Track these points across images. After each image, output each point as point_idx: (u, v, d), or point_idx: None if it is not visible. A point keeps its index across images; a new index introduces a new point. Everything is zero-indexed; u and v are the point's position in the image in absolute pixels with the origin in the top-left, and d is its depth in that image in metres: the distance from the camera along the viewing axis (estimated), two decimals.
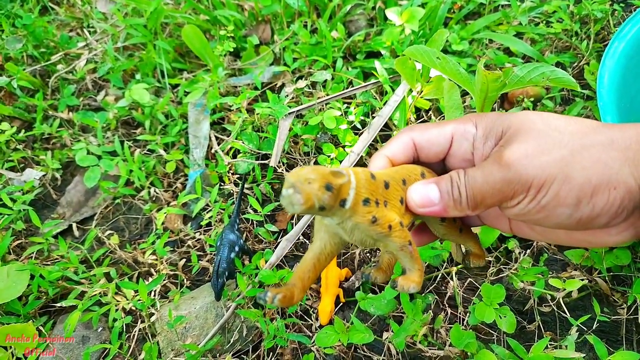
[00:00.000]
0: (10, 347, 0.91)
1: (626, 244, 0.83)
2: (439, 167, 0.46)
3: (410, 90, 1.07)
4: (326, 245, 0.42)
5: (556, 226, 0.37)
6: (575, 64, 1.14)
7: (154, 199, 1.15)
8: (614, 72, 0.82)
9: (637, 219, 0.36)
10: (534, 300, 0.86)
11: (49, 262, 1.06)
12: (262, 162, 1.10)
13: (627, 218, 0.36)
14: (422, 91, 0.93)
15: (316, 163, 1.10)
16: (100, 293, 0.98)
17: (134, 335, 0.95)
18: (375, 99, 1.14)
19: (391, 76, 1.13)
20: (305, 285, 0.41)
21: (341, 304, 0.94)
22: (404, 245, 0.39)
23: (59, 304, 0.97)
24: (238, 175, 1.12)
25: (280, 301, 0.38)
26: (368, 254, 0.99)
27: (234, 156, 1.14)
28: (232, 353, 0.90)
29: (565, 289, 0.79)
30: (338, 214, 0.36)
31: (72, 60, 1.39)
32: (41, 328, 0.96)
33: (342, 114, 1.08)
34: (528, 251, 0.93)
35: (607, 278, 0.86)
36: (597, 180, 0.34)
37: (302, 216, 1.02)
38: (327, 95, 1.14)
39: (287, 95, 1.18)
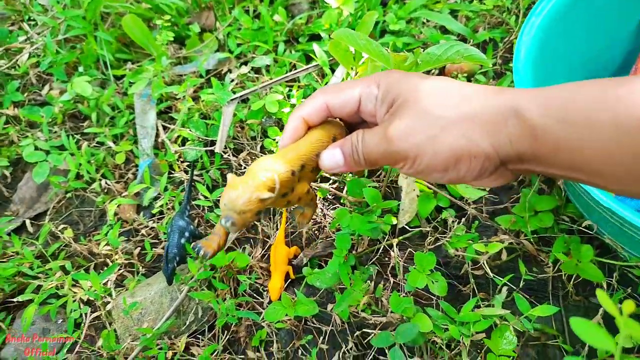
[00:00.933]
0: None
1: (545, 206, 0.90)
2: (355, 119, 0.53)
3: (348, 73, 1.11)
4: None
5: (435, 182, 0.45)
6: (507, 38, 1.19)
7: (106, 190, 1.17)
8: (531, 47, 0.87)
9: (501, 173, 0.44)
10: (468, 265, 0.93)
11: (4, 259, 1.07)
12: (210, 148, 1.13)
13: (492, 174, 0.44)
14: (357, 73, 0.96)
15: (262, 147, 1.13)
16: (57, 286, 1.00)
17: (88, 323, 0.97)
18: (317, 81, 1.17)
19: (330, 59, 1.17)
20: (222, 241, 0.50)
21: (291, 280, 0.98)
22: (307, 203, 0.52)
23: (16, 299, 0.99)
24: (187, 163, 1.15)
25: (209, 255, 0.49)
26: (316, 232, 1.04)
27: (182, 144, 1.16)
28: (188, 334, 0.94)
29: (488, 252, 0.85)
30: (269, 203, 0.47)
31: (14, 55, 1.37)
32: (1, 324, 0.98)
33: (284, 98, 1.11)
34: (463, 219, 0.99)
35: (532, 240, 0.93)
36: (460, 153, 0.41)
37: None
38: (271, 79, 1.17)
39: (232, 81, 1.20)
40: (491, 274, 0.87)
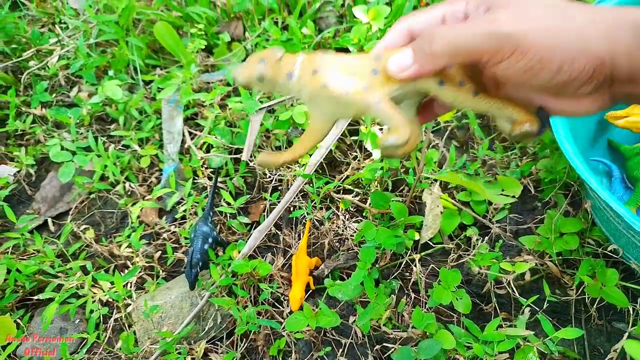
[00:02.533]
0: None
1: (571, 228, 0.90)
2: None
3: None
4: (314, 120, 0.46)
5: (536, 88, 0.41)
6: None
7: (129, 193, 1.18)
8: None
9: (601, 94, 0.41)
10: (491, 284, 0.92)
11: (25, 257, 1.08)
12: (235, 156, 1.14)
13: (594, 90, 0.40)
14: None
15: None
16: (76, 286, 1.00)
17: (110, 325, 0.98)
18: None
19: None
20: (296, 151, 0.46)
21: (311, 291, 0.98)
22: (368, 105, 0.42)
23: (36, 297, 1.00)
24: (211, 170, 1.16)
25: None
26: (337, 244, 1.04)
27: (207, 151, 1.17)
28: (207, 340, 0.94)
29: (514, 272, 0.84)
30: (288, 87, 0.42)
31: (45, 57, 1.40)
32: (19, 321, 0.98)
33: None
34: (486, 238, 0.99)
35: (557, 262, 0.92)
36: (577, 51, 0.37)
37: (274, 208, 1.06)
38: None
39: (259, 91, 1.21)
40: (517, 294, 0.86)
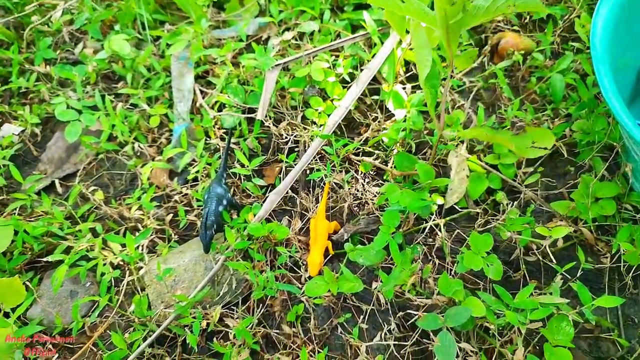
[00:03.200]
0: None
1: (607, 193, 0.84)
2: None
3: (400, 42, 1.05)
4: None
5: None
6: (567, 16, 1.13)
7: (138, 154, 1.13)
8: (608, 21, 0.81)
9: None
10: (520, 250, 0.88)
11: (32, 218, 1.04)
12: (249, 115, 1.08)
13: None
14: (411, 43, 0.91)
15: (304, 117, 1.09)
16: (86, 248, 0.97)
17: (122, 288, 0.94)
18: (364, 51, 1.12)
19: (380, 28, 1.11)
20: None
21: (330, 256, 0.94)
22: None
23: (44, 260, 0.96)
24: (224, 130, 1.10)
25: None
26: (356, 207, 0.99)
27: (220, 110, 1.12)
28: (222, 305, 0.90)
29: (551, 237, 0.80)
30: None
31: (47, 11, 1.33)
32: (28, 283, 0.95)
33: (330, 67, 1.06)
34: (515, 203, 0.94)
35: (592, 228, 0.87)
36: None
37: (290, 171, 1.01)
38: (315, 47, 1.12)
39: (274, 48, 1.15)
40: (551, 261, 0.82)
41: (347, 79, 1.09)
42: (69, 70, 1.21)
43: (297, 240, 0.95)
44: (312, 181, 1.03)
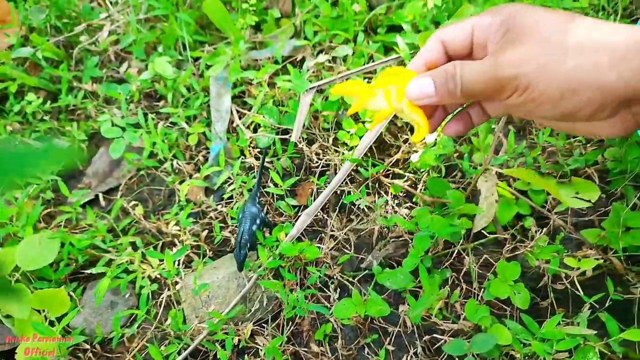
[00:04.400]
0: (44, 310, 0.96)
1: (639, 223, 0.84)
2: (463, 55, 0.50)
3: None
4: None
5: (543, 118, 0.44)
6: None
7: (176, 171, 1.18)
8: None
9: (623, 117, 0.42)
10: (548, 278, 0.88)
11: (77, 231, 1.10)
12: (283, 136, 1.12)
13: (611, 114, 0.41)
14: None
15: (335, 139, 1.11)
16: (127, 261, 1.02)
17: (160, 302, 0.99)
18: None
19: (412, 51, 1.13)
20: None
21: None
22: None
23: (88, 271, 1.02)
24: (259, 149, 1.14)
25: None
26: (385, 229, 1.01)
27: (255, 130, 1.16)
28: (253, 321, 0.94)
29: (579, 268, 0.80)
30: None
31: (95, 32, 1.41)
32: (72, 293, 1.00)
33: None
34: (544, 229, 0.94)
35: (622, 257, 0.87)
36: (580, 80, 0.39)
37: (322, 191, 1.04)
38: (348, 69, 1.15)
39: (308, 70, 1.18)
40: (579, 291, 0.82)
41: None
42: (114, 89, 1.28)
43: (325, 261, 0.98)
44: (342, 203, 1.06)
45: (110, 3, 1.44)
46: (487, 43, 0.46)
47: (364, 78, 1.12)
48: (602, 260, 0.88)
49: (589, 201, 0.91)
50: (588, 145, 1.02)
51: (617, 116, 0.42)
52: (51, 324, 0.95)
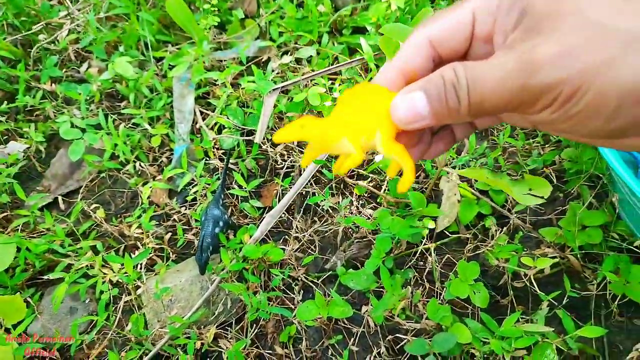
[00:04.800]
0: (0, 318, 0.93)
1: (594, 221, 0.86)
2: (459, 54, 0.36)
3: None
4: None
5: (583, 137, 0.32)
6: None
7: (139, 173, 1.16)
8: None
9: None
10: (508, 277, 0.90)
11: (35, 235, 1.07)
12: (247, 138, 1.11)
13: None
14: None
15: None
16: (87, 266, 0.99)
17: (120, 307, 0.97)
18: (360, 76, 1.14)
19: (376, 53, 1.14)
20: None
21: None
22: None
23: (46, 277, 0.99)
24: (223, 151, 1.13)
25: None
26: (350, 229, 1.02)
27: (219, 131, 1.15)
28: (216, 325, 0.92)
29: (536, 267, 0.82)
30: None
31: (54, 30, 1.37)
32: (29, 300, 0.97)
33: (326, 91, 1.09)
34: (504, 229, 0.96)
35: (578, 255, 0.89)
36: None
37: (286, 193, 1.04)
38: (313, 71, 1.14)
39: (273, 71, 1.18)
40: (537, 290, 0.84)
41: None
42: (74, 89, 1.24)
43: (295, 259, 0.98)
44: (307, 205, 1.06)
45: (70, 1, 1.41)
46: (495, 32, 0.33)
47: (328, 79, 1.13)
48: (560, 258, 0.90)
49: (542, 197, 0.93)
50: (546, 145, 1.04)
51: None
52: (7, 331, 0.92)
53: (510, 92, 0.29)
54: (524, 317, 0.85)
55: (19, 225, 1.07)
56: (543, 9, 0.29)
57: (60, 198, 1.16)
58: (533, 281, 0.84)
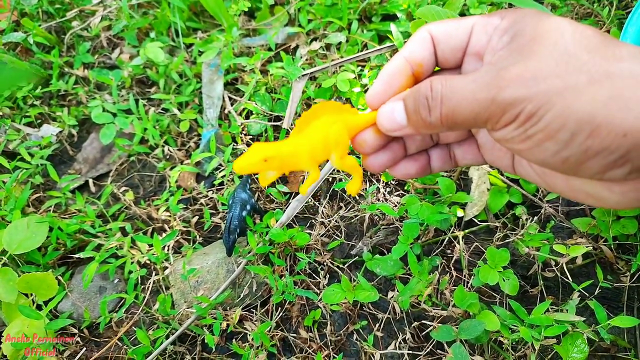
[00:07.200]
0: (32, 294, 0.95)
1: (629, 212, 0.84)
2: (450, 62, 0.41)
3: None
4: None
5: (539, 162, 0.33)
6: None
7: (167, 157, 1.17)
8: (636, 41, 0.81)
9: None
10: (538, 266, 0.88)
11: (66, 216, 1.09)
12: (275, 123, 1.11)
13: (631, 178, 0.30)
14: None
15: None
16: (116, 246, 1.01)
17: (148, 287, 0.98)
18: None
19: (406, 40, 1.12)
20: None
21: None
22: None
23: (76, 256, 1.01)
24: (251, 136, 1.14)
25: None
26: (376, 216, 1.01)
27: (247, 117, 1.15)
28: (241, 307, 0.93)
29: (569, 255, 0.80)
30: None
31: (87, 17, 1.39)
32: (60, 278, 1.00)
33: (355, 77, 1.08)
34: (535, 218, 0.94)
35: (612, 246, 0.87)
36: (604, 120, 0.28)
37: None
38: (342, 57, 1.14)
39: (301, 57, 1.18)
40: (569, 279, 0.82)
41: None
42: (106, 75, 1.26)
43: (316, 247, 0.98)
44: (333, 191, 1.05)
45: None
46: (486, 50, 0.36)
47: (357, 66, 1.12)
48: (592, 249, 0.88)
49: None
50: None
51: (633, 182, 0.31)
52: (39, 308, 0.95)
53: (480, 105, 0.32)
54: (553, 307, 0.84)
55: (51, 206, 1.09)
56: (530, 33, 0.32)
57: (91, 181, 1.18)
58: (565, 270, 0.82)
